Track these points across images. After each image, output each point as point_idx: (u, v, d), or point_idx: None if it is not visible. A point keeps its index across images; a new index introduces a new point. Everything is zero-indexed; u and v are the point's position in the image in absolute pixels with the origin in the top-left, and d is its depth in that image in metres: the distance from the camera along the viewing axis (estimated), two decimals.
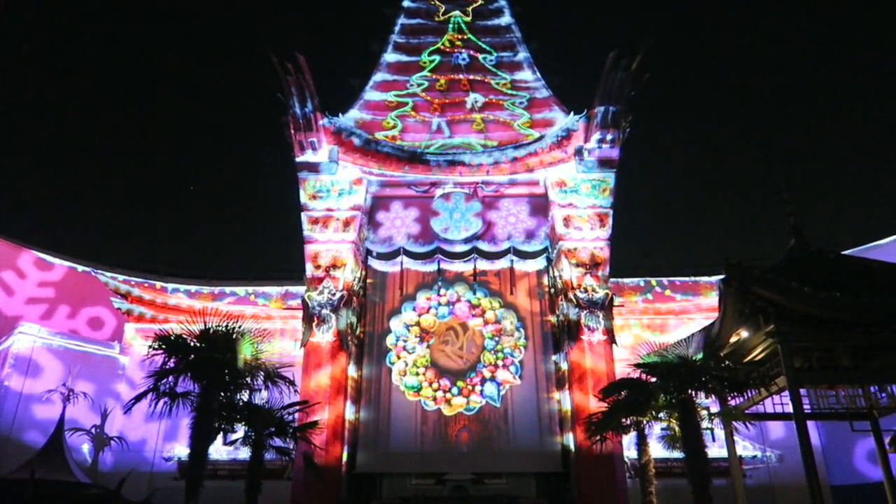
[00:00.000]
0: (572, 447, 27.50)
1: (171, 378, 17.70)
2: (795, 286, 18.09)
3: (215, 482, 26.43)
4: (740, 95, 75.24)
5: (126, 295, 34.46)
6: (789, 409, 18.82)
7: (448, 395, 29.37)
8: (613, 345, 28.46)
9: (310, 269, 29.72)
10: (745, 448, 29.42)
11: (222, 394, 18.28)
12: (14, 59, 63.07)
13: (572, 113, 31.17)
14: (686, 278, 34.26)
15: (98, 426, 31.63)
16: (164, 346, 17.75)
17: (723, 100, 72.41)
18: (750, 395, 21.75)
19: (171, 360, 17.74)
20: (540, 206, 32.31)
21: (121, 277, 34.74)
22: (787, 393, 18.88)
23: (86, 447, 31.42)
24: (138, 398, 17.84)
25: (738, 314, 19.12)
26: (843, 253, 23.73)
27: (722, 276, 19.41)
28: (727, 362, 20.04)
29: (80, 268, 37.08)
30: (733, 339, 19.94)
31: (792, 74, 69.36)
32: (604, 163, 29.97)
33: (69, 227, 59.98)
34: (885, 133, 61.29)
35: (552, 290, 31.29)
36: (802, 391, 19.27)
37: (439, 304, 31.37)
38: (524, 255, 31.69)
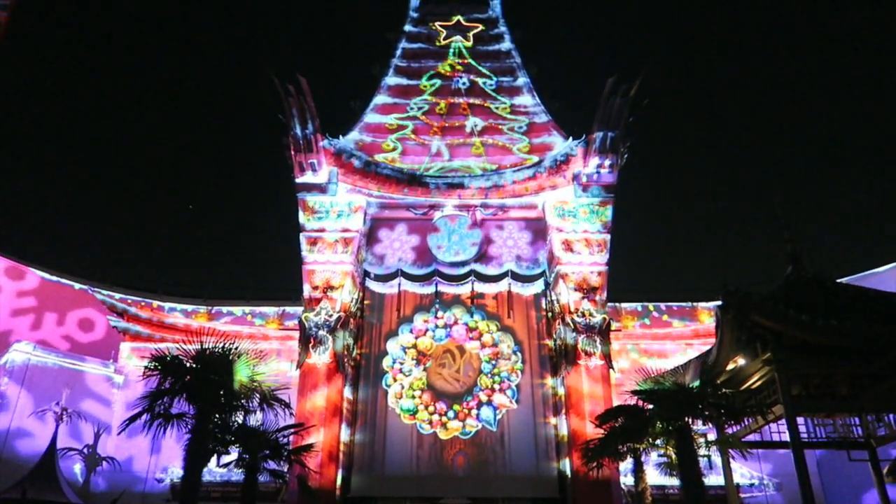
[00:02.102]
0: (569, 473, 27.34)
1: (165, 399, 17.54)
2: (793, 313, 18.07)
3: None
4: (739, 121, 75.87)
5: (122, 313, 34.34)
6: (786, 437, 18.71)
7: (444, 419, 29.23)
8: (611, 370, 28.40)
9: (307, 290, 29.72)
10: (742, 476, 29.21)
11: (217, 416, 18.10)
12: (16, 76, 63.47)
13: (571, 138, 31.41)
14: (684, 303, 34.35)
15: (91, 446, 31.30)
16: (159, 367, 17.58)
17: (721, 124, 72.99)
18: (747, 422, 21.63)
19: (167, 381, 17.59)
20: (538, 229, 32.42)
21: (117, 296, 34.70)
22: (784, 421, 18.79)
23: (78, 467, 31.06)
24: (132, 419, 17.64)
25: (735, 341, 19.09)
26: (839, 281, 23.77)
27: (719, 303, 19.42)
28: (724, 390, 19.91)
29: (77, 285, 36.98)
30: (730, 366, 19.89)
31: (791, 100, 69.99)
32: (602, 187, 30.22)
33: (67, 244, 59.97)
34: (883, 161, 61.67)
35: (550, 314, 31.24)
36: (800, 419, 19.17)
37: (436, 326, 31.33)
38: (522, 279, 31.69)
